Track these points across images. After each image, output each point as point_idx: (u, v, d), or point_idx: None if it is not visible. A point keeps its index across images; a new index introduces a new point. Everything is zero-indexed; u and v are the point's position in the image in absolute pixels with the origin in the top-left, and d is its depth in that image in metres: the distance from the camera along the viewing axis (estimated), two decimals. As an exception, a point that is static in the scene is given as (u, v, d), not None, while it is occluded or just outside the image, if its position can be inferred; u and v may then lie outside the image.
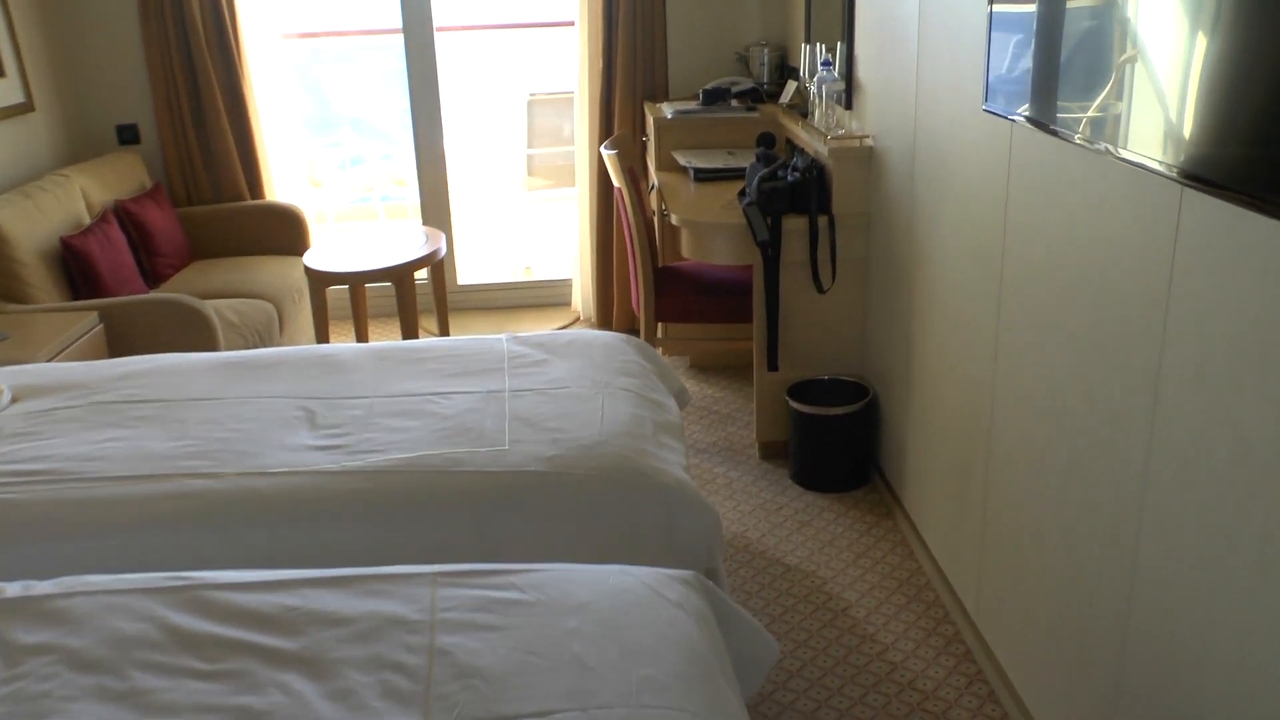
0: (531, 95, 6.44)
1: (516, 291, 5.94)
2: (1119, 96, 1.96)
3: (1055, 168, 2.30)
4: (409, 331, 4.55)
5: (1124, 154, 1.92)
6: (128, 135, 5.38)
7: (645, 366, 3.03)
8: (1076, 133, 2.11)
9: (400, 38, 5.42)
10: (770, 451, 4.14)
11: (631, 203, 4.17)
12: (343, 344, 3.26)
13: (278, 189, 5.55)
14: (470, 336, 3.25)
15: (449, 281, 5.82)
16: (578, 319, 5.67)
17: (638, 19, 5.04)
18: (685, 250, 4.05)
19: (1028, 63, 2.34)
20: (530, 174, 6.55)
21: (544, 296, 5.90)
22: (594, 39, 5.11)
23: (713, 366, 4.97)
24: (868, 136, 3.77)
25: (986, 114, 2.60)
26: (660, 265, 4.50)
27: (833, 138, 3.83)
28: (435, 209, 5.70)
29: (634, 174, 4.47)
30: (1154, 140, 1.84)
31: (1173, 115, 1.80)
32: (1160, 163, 1.80)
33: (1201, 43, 1.70)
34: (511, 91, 6.90)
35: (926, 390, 3.30)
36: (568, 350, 3.05)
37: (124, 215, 4.80)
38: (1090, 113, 2.07)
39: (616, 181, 4.23)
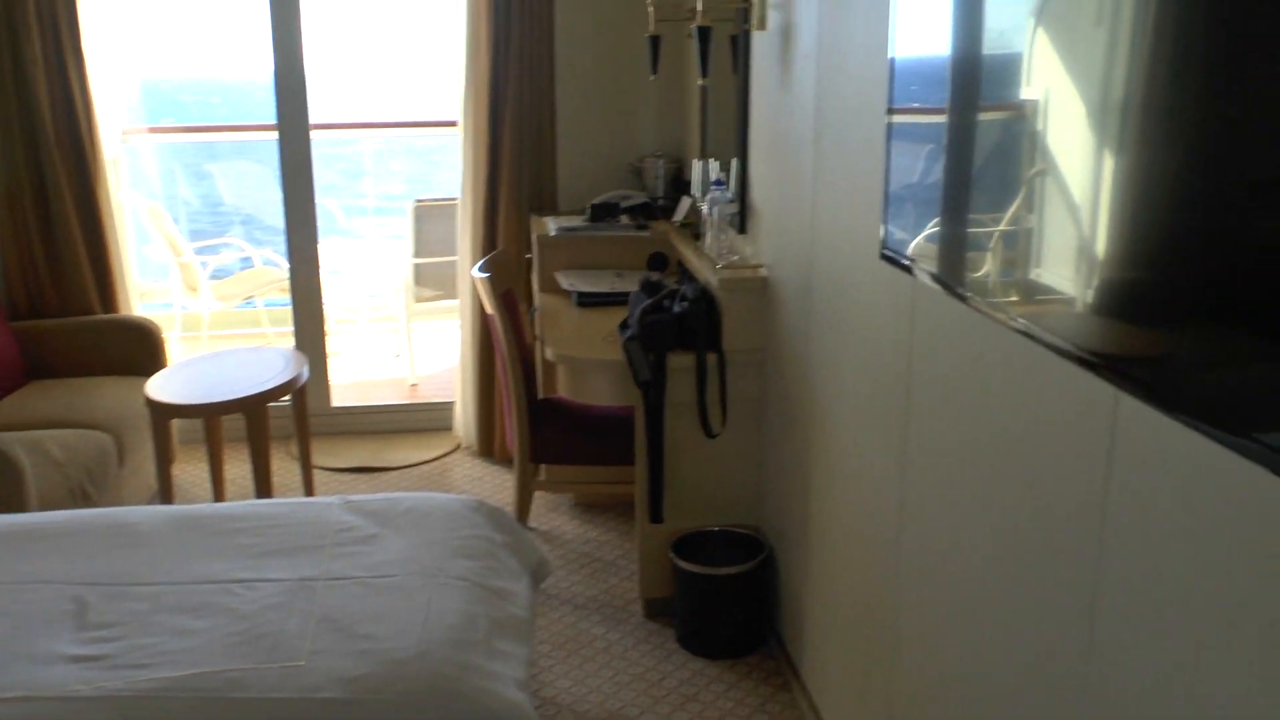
0: (418, 201, 6.05)
1: (395, 415, 5.49)
2: (1037, 263, 1.61)
3: (964, 334, 1.95)
4: (260, 472, 4.08)
5: (1049, 339, 1.56)
6: (-40, 237, 4.89)
7: (493, 541, 2.61)
8: (990, 301, 1.75)
9: (274, 135, 5.02)
10: (656, 609, 3.72)
11: (505, 332, 3.77)
12: (142, 509, 2.79)
13: (135, 300, 5.09)
14: (298, 500, 2.81)
15: (320, 404, 5.36)
16: (458, 446, 5.23)
17: (525, 123, 4.69)
18: (562, 389, 3.65)
19: (933, 210, 1.99)
20: (418, 284, 6.14)
21: (424, 420, 5.45)
22: (478, 143, 4.75)
23: (599, 504, 4.54)
24: (761, 266, 3.43)
25: (885, 262, 2.25)
26: (540, 398, 4.09)
27: (723, 266, 3.47)
28: (309, 321, 5.26)
29: (511, 298, 4.08)
30: (1088, 329, 1.48)
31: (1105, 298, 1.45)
32: (1093, 355, 1.44)
33: (1128, 215, 1.36)
34: (399, 196, 6.52)
35: (826, 548, 2.91)
36: (404, 521, 2.62)
37: (-56, 334, 4.30)
38: (1004, 279, 1.72)
39: (489, 307, 3.83)
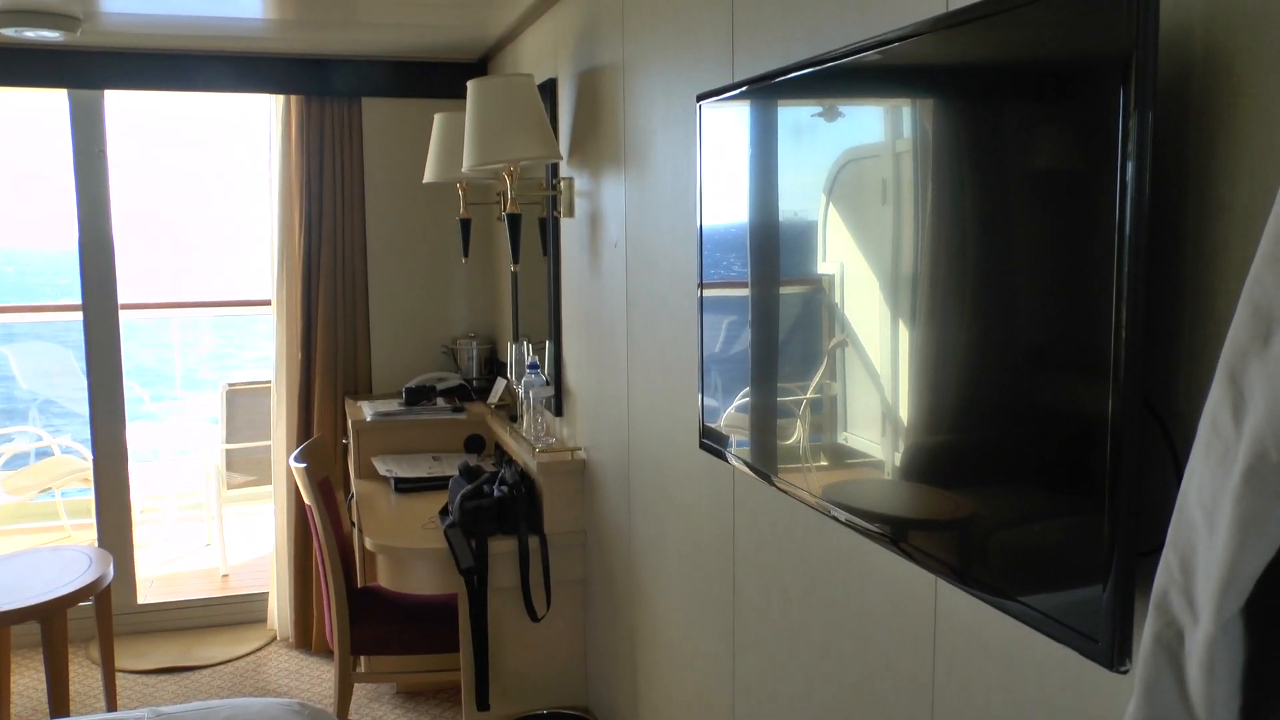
0: (230, 385, 5.94)
1: (207, 609, 5.26)
2: (844, 428, 1.71)
3: (785, 521, 2.02)
4: (57, 686, 3.84)
5: (863, 524, 1.64)
6: None
7: (316, 748, 2.52)
8: (805, 488, 1.83)
9: (79, 316, 4.85)
10: (486, 802, 3.62)
11: (322, 522, 3.71)
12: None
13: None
14: (100, 717, 2.65)
15: (125, 602, 5.11)
16: (273, 639, 5.05)
17: (338, 303, 4.70)
18: (382, 578, 3.59)
19: (741, 383, 2.08)
20: (230, 469, 5.98)
21: (238, 613, 5.25)
22: (292, 322, 4.72)
23: (423, 692, 4.43)
24: (579, 448, 3.48)
25: (705, 451, 2.32)
26: (361, 586, 4.01)
27: (541, 449, 3.52)
28: (114, 513, 5.04)
29: (328, 486, 4.02)
30: (895, 496, 1.57)
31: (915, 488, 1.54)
32: (912, 548, 1.52)
33: (923, 382, 1.46)
34: (208, 378, 6.38)
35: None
36: (219, 734, 2.52)
37: None
38: (819, 469, 1.80)
39: (307, 498, 3.77)
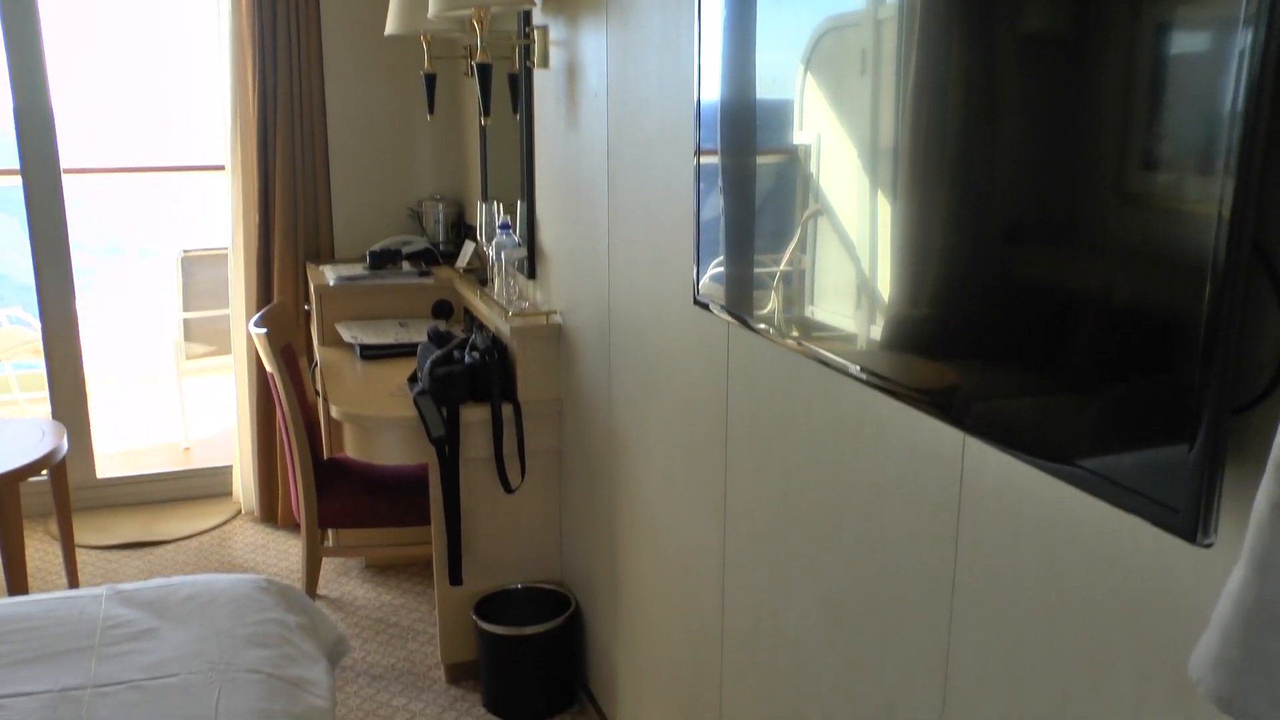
0: (185, 251, 5.70)
1: (169, 483, 5.12)
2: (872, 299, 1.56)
3: (787, 379, 1.89)
4: (13, 562, 3.71)
5: (884, 384, 1.50)
6: None
7: (286, 624, 2.40)
8: (815, 343, 1.69)
9: (18, 181, 4.60)
10: (460, 673, 3.54)
11: (285, 390, 3.55)
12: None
13: None
14: (59, 595, 2.52)
15: (84, 477, 4.96)
16: (238, 513, 4.93)
17: (297, 166, 4.46)
18: (349, 449, 3.45)
19: (745, 250, 1.93)
20: (188, 340, 5.79)
21: (201, 487, 5.11)
22: (248, 188, 4.49)
23: (393, 566, 4.34)
24: (555, 312, 3.32)
25: (699, 309, 2.17)
26: (327, 458, 3.87)
27: (514, 313, 3.36)
28: (67, 385, 4.86)
29: (290, 353, 3.86)
30: (934, 380, 1.43)
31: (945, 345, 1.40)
32: (941, 401, 1.39)
33: (900, 255, 1.31)
34: (163, 246, 6.15)
35: (639, 603, 2.81)
36: (185, 610, 2.39)
37: None
38: (839, 320, 1.66)
39: (268, 365, 3.60)
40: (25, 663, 2.22)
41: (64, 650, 2.25)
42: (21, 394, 6.36)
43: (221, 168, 4.56)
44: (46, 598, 2.50)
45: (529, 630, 3.26)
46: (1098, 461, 1.03)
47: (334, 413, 3.39)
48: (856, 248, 1.48)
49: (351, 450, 3.43)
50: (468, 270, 4.13)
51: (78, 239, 4.95)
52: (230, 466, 4.99)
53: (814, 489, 1.81)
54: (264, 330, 3.54)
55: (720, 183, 1.95)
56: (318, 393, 3.99)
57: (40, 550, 4.56)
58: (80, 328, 4.82)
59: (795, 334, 1.67)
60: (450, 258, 4.42)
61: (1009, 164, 1.18)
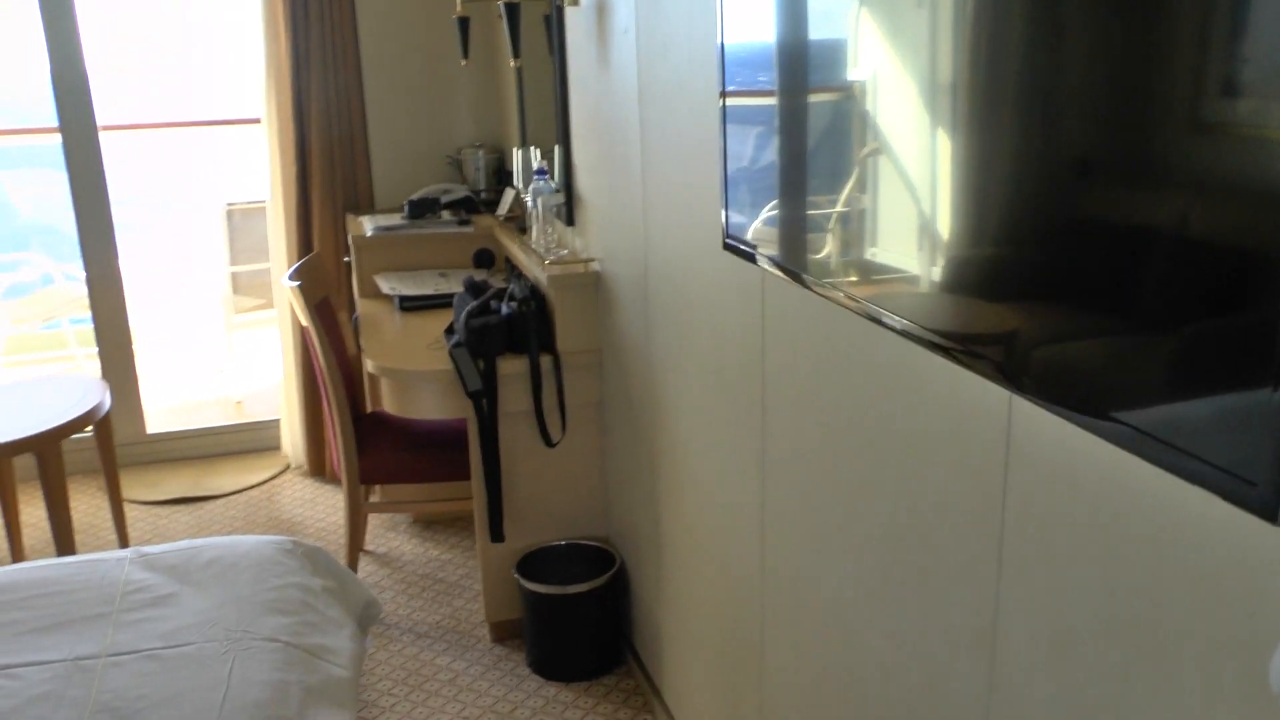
0: (230, 205, 5.64)
1: (218, 437, 5.09)
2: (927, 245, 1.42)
3: (824, 328, 1.75)
4: (59, 519, 3.68)
5: (928, 336, 1.37)
6: None
7: (310, 588, 2.32)
8: (847, 290, 1.55)
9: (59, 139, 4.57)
10: (504, 632, 3.47)
11: (321, 344, 3.46)
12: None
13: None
14: (83, 559, 2.46)
15: (133, 432, 4.95)
16: (287, 468, 4.89)
17: (332, 116, 4.36)
18: (386, 403, 3.36)
19: (770, 194, 1.79)
20: (236, 293, 5.74)
21: (250, 441, 5.08)
22: (284, 140, 4.39)
23: (440, 521, 4.27)
24: (593, 260, 3.20)
25: (729, 252, 2.04)
26: (367, 412, 3.79)
27: (551, 261, 3.23)
28: (114, 341, 4.84)
29: (328, 306, 3.77)
30: (977, 324, 1.29)
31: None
32: (981, 355, 1.25)
33: (963, 194, 1.17)
34: (209, 200, 6.09)
35: (681, 559, 2.71)
36: (206, 575, 2.32)
37: None
38: (843, 259, 1.52)
39: (303, 319, 3.52)
40: (43, 630, 2.16)
41: (82, 617, 2.19)
42: (79, 349, 6.37)
43: (257, 121, 4.46)
44: (71, 561, 2.44)
45: (573, 589, 3.17)
46: (1162, 424, 0.89)
47: (369, 367, 3.31)
48: (913, 188, 1.34)
49: (389, 405, 3.35)
50: (508, 218, 4.01)
51: (126, 195, 4.91)
52: (278, 420, 4.94)
53: (853, 445, 1.67)
54: (297, 284, 3.45)
55: (756, 123, 1.81)
56: (359, 346, 3.91)
57: (93, 506, 4.56)
58: (124, 283, 4.79)
59: (835, 280, 1.54)
60: (491, 206, 4.30)
61: (1077, 93, 1.03)
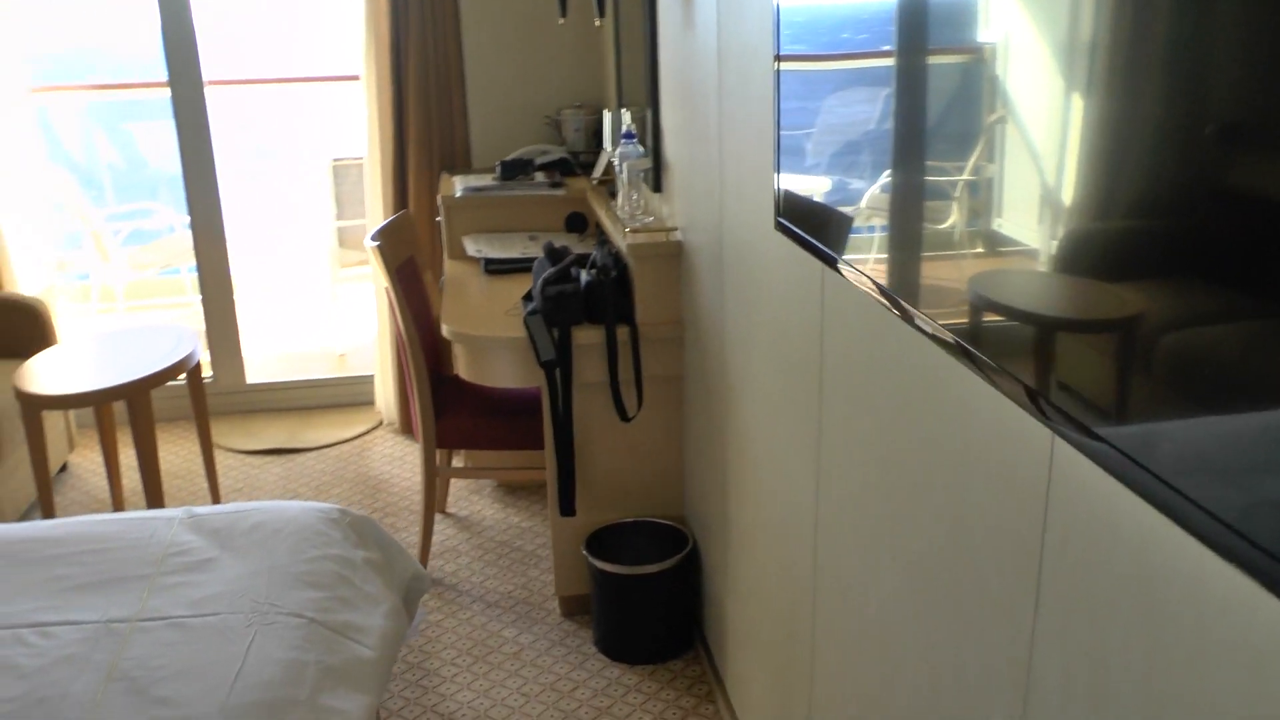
0: (336, 160, 5.65)
1: (315, 390, 5.12)
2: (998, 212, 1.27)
3: (878, 328, 1.60)
4: (148, 467, 3.71)
5: (977, 357, 1.22)
6: None
7: (350, 561, 2.26)
8: (917, 313, 1.41)
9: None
10: (574, 607, 3.39)
11: (400, 306, 3.41)
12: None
13: (21, 275, 4.71)
14: (138, 516, 2.44)
15: (233, 381, 5.00)
16: (380, 423, 4.88)
17: (430, 74, 4.30)
18: (460, 369, 3.30)
19: (833, 166, 1.64)
20: (342, 247, 5.76)
21: (346, 395, 5.09)
22: (382, 97, 4.35)
23: (525, 488, 4.21)
24: (675, 229, 3.07)
25: (780, 234, 1.90)
26: (450, 375, 3.73)
27: (632, 229, 3.11)
28: (217, 291, 4.89)
29: (413, 267, 3.72)
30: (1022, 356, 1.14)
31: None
32: (1011, 380, 1.10)
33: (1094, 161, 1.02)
34: (317, 155, 6.11)
35: (745, 548, 2.59)
36: (247, 541, 2.27)
37: None
38: (930, 278, 1.37)
39: (384, 279, 3.46)
40: (85, 587, 2.14)
41: (124, 577, 2.16)
42: (196, 296, 6.48)
43: (357, 78, 4.42)
44: (125, 517, 2.43)
45: (643, 569, 3.07)
46: (1204, 489, 0.74)
47: (444, 331, 3.24)
48: (946, 195, 1.19)
49: (463, 371, 3.28)
50: (602, 181, 3.89)
51: (238, 148, 4.95)
52: (373, 376, 4.94)
53: (903, 455, 1.53)
54: (377, 244, 3.40)
55: (803, 92, 1.66)
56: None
57: (193, 453, 4.61)
58: (227, 233, 4.83)
59: (874, 273, 1.39)
60: (588, 168, 4.19)
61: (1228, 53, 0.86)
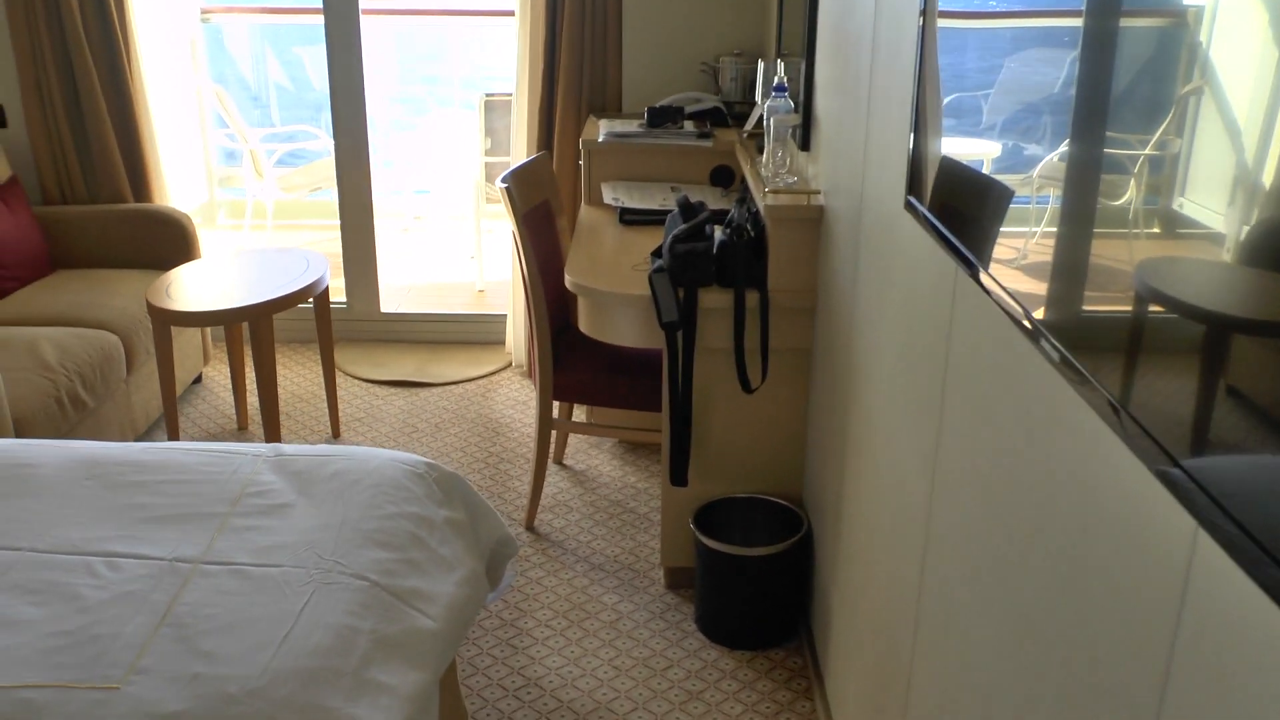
0: (487, 95, 5.54)
1: (448, 325, 5.06)
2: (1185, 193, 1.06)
3: (1006, 342, 1.39)
4: (266, 390, 3.69)
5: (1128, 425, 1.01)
6: (-7, 117, 4.59)
7: (429, 520, 2.14)
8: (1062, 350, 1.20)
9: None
10: (680, 580, 3.25)
11: (526, 253, 3.28)
12: (50, 446, 2.40)
13: (173, 188, 4.75)
14: (224, 449, 2.37)
15: (368, 309, 4.97)
16: (509, 364, 4.79)
17: (588, 14, 4.13)
18: (581, 323, 3.15)
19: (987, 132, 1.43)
20: (489, 181, 5.66)
21: (477, 333, 5.02)
22: (535, 35, 4.21)
23: (646, 445, 4.06)
24: (818, 192, 2.85)
25: (909, 214, 1.68)
26: (573, 324, 3.60)
27: (771, 189, 2.91)
28: (356, 218, 4.86)
29: (545, 212, 3.58)
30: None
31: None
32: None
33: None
34: (467, 88, 6.03)
35: (854, 543, 2.39)
36: (326, 490, 2.17)
37: (-49, 217, 4.01)
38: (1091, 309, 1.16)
39: (512, 224, 3.33)
40: (159, 520, 2.08)
41: (199, 513, 2.09)
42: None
43: (511, 13, 4.29)
44: (214, 448, 2.36)
45: (751, 551, 2.90)
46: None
47: (567, 281, 3.09)
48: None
49: (583, 325, 3.14)
50: (751, 134, 3.68)
51: (393, 79, 4.89)
52: (505, 315, 4.85)
53: (1019, 486, 1.31)
54: (505, 186, 3.26)
55: (959, 50, 1.44)
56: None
57: (321, 378, 4.60)
58: (372, 161, 4.78)
59: (994, 272, 1.18)
60: (742, 120, 3.97)
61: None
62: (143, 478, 2.22)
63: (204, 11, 6.58)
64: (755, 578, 2.93)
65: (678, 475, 3.02)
